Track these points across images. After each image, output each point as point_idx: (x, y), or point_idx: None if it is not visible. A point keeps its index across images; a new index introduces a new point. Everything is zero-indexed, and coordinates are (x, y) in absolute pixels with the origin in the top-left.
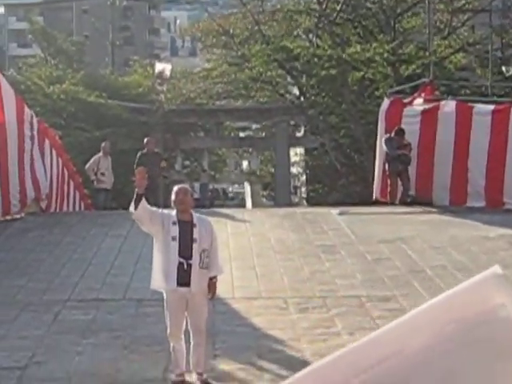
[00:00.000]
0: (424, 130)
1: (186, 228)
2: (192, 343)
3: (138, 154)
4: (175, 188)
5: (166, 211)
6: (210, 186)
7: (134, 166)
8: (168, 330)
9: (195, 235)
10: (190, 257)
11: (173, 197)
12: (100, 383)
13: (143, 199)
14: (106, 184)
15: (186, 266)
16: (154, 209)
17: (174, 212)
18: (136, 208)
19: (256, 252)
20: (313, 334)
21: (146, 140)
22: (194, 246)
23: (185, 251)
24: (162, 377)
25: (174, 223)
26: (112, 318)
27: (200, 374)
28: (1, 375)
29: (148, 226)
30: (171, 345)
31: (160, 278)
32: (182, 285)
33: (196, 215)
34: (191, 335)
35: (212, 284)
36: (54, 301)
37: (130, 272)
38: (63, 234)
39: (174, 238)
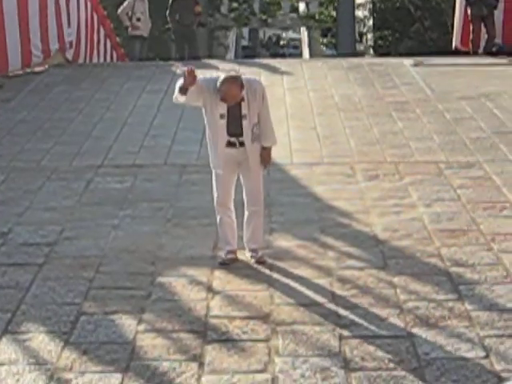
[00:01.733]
0: None
1: (233, 106)
2: (247, 213)
3: None
4: (229, 85)
5: (212, 81)
6: (261, 33)
7: (167, 13)
8: (215, 199)
9: (244, 111)
10: (241, 134)
11: (218, 84)
12: (139, 261)
13: (190, 90)
14: (142, 31)
15: (237, 145)
16: (200, 85)
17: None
18: (181, 95)
19: (317, 110)
20: (384, 206)
21: None
22: (244, 122)
23: (234, 129)
24: (211, 254)
25: (221, 100)
26: (152, 186)
27: (255, 251)
28: (27, 252)
29: (194, 103)
30: (218, 217)
31: (213, 157)
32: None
33: (244, 79)
34: (246, 204)
35: (265, 153)
36: (85, 167)
37: (172, 133)
38: (94, 89)
39: (222, 116)
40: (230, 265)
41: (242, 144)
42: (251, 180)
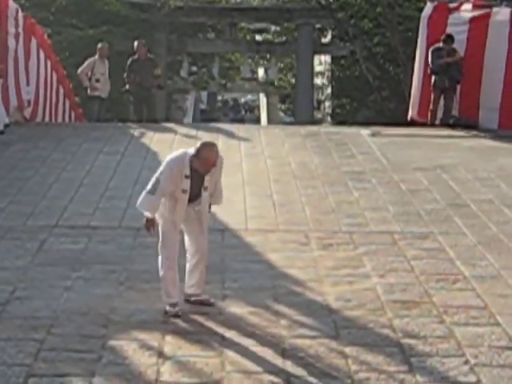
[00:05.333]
0: (472, 41)
1: (197, 178)
2: (194, 261)
3: (129, 60)
4: (209, 152)
5: (177, 166)
6: (219, 97)
7: (125, 74)
8: (165, 254)
9: (206, 183)
10: (200, 203)
11: (204, 154)
12: (91, 324)
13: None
14: (101, 91)
15: (193, 210)
16: (165, 187)
17: (187, 161)
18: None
19: (274, 177)
20: (337, 275)
21: (136, 44)
22: (204, 194)
23: (194, 198)
24: (163, 319)
25: (186, 177)
26: (106, 248)
27: (198, 296)
28: None
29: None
30: (163, 271)
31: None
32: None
33: None
34: (193, 253)
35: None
36: (40, 227)
37: (128, 195)
38: (51, 149)
39: (184, 191)
40: (179, 329)
41: (198, 209)
42: (202, 232)
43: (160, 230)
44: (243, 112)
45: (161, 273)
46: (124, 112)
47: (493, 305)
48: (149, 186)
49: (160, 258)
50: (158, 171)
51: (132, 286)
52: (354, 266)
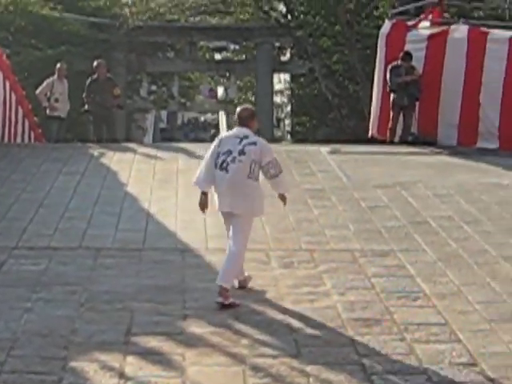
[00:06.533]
0: (430, 59)
1: None
2: None
3: (88, 80)
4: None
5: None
6: (180, 115)
7: (84, 94)
8: (246, 242)
9: None
10: None
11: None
12: (51, 345)
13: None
14: (61, 112)
15: None
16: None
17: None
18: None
19: None
20: (298, 294)
21: (95, 63)
22: None
23: None
24: (124, 340)
25: None
26: (66, 269)
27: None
28: None
29: None
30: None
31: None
32: None
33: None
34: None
35: None
36: None
37: (88, 216)
38: (10, 170)
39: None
40: (141, 349)
41: None
42: None
43: (245, 225)
44: (204, 130)
45: (238, 255)
46: (84, 132)
47: (453, 321)
48: (277, 169)
49: (242, 242)
50: (265, 155)
51: (93, 307)
52: (314, 285)
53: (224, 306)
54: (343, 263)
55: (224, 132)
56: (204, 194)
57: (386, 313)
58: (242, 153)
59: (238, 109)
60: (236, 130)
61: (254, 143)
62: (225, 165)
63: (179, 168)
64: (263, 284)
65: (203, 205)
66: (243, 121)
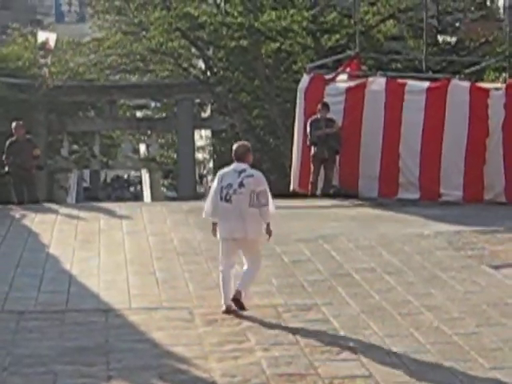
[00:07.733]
0: (349, 111)
1: None
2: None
3: (7, 142)
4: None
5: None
6: (103, 174)
7: (3, 156)
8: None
9: None
10: None
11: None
12: None
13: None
14: None
15: None
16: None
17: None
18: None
19: (156, 254)
20: (222, 351)
21: (13, 125)
22: None
23: None
24: None
25: None
26: None
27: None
28: None
29: None
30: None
31: None
32: None
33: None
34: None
35: None
36: None
37: (10, 278)
38: None
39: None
40: None
41: None
42: None
43: (259, 246)
44: (127, 188)
45: (257, 270)
46: (5, 194)
47: (377, 373)
48: (268, 200)
49: (259, 260)
50: (259, 185)
51: (16, 372)
52: (238, 341)
53: (237, 303)
54: (267, 319)
55: (224, 168)
56: (214, 224)
57: (310, 367)
58: (241, 185)
59: (235, 146)
60: (234, 165)
61: (252, 175)
62: (228, 197)
63: (101, 228)
64: (187, 342)
65: (215, 231)
66: (240, 156)
